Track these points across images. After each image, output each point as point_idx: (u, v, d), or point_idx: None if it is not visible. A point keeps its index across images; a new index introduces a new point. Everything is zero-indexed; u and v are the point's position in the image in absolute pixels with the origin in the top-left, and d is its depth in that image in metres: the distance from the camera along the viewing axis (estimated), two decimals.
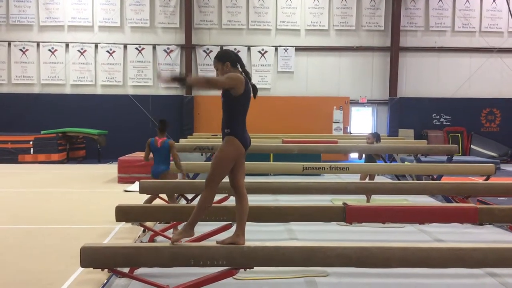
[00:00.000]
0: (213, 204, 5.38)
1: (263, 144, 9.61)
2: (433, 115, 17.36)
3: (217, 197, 6.40)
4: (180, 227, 4.69)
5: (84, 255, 3.41)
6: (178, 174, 8.19)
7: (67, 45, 16.80)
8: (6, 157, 14.97)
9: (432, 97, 17.24)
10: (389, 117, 17.29)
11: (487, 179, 7.56)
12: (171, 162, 6.85)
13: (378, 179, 11.32)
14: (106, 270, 3.55)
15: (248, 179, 6.50)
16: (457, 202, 7.16)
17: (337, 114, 16.72)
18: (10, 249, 5.72)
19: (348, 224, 4.80)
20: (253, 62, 16.98)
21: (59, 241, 6.02)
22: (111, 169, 12.97)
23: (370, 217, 4.76)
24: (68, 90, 17.02)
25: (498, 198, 7.70)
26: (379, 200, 8.21)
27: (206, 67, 16.73)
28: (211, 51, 16.82)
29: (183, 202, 7.10)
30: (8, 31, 16.83)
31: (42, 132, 15.38)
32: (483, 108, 17.35)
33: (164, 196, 6.73)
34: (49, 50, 16.78)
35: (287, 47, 17.05)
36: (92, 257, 3.44)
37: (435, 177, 8.61)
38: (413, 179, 9.53)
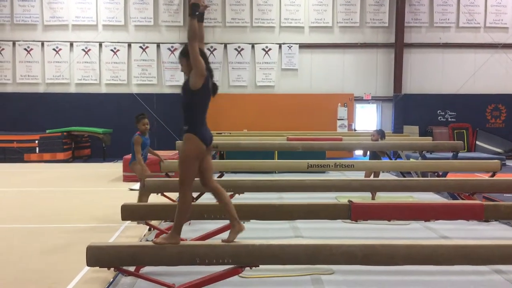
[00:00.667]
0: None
1: (268, 142, 9.60)
2: (438, 111, 17.29)
3: None
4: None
5: (90, 254, 3.42)
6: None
7: (71, 44, 16.85)
8: (12, 156, 15.06)
9: (437, 94, 17.18)
10: (393, 113, 17.25)
11: (492, 175, 7.52)
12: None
13: (384, 176, 11.31)
14: (112, 269, 3.56)
15: (253, 177, 6.53)
16: (462, 199, 7.12)
17: (342, 111, 16.68)
18: (16, 248, 5.76)
19: (353, 221, 4.79)
20: (257, 59, 16.97)
21: (65, 240, 6.05)
22: (116, 167, 13.01)
23: (375, 214, 4.75)
24: (72, 89, 17.07)
25: (504, 195, 7.66)
26: (384, 197, 8.19)
27: (210, 65, 16.67)
28: (215, 49, 16.82)
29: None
30: (12, 31, 16.89)
31: (47, 131, 15.46)
32: (488, 104, 17.26)
33: (168, 194, 6.74)
34: (54, 49, 16.83)
35: (291, 45, 17.02)
36: (98, 256, 3.45)
37: (440, 174, 8.58)
38: (418, 176, 9.50)
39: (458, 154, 9.69)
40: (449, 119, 17.30)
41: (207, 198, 6.95)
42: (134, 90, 16.99)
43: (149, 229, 6.08)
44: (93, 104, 16.67)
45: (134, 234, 6.30)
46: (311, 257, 3.54)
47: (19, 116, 16.57)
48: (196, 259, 3.47)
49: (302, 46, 17.06)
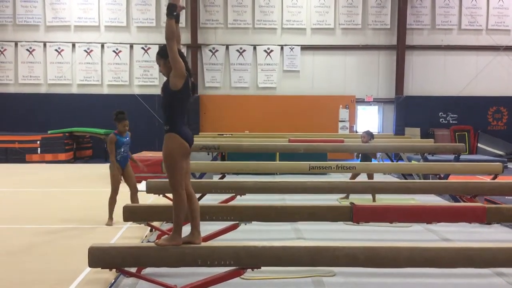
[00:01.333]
0: (220, 204, 5.41)
1: (270, 144, 9.59)
2: (440, 113, 17.29)
3: (224, 196, 6.42)
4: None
5: (92, 255, 3.42)
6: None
7: (73, 45, 16.88)
8: (14, 156, 15.08)
9: (439, 96, 17.17)
10: (395, 115, 17.24)
11: (494, 178, 7.50)
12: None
13: (385, 178, 11.31)
14: (113, 270, 3.56)
15: (254, 179, 6.51)
16: (464, 201, 7.11)
17: (343, 113, 16.69)
18: (17, 248, 5.75)
19: (355, 223, 4.78)
20: (259, 61, 16.98)
21: (67, 241, 6.05)
22: None
23: (377, 216, 4.74)
24: (74, 90, 17.10)
25: (506, 197, 7.66)
26: (386, 199, 8.18)
27: (212, 67, 16.74)
28: (217, 50, 16.83)
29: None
30: (15, 31, 16.93)
31: (49, 131, 15.48)
32: (490, 106, 17.25)
33: (169, 195, 6.73)
34: (56, 50, 16.87)
35: (293, 46, 17.03)
36: (100, 257, 3.45)
37: (442, 176, 8.56)
38: (420, 178, 9.49)
39: (460, 157, 9.67)
40: (451, 121, 17.29)
41: (209, 200, 6.97)
42: (136, 91, 17.01)
43: (151, 230, 6.08)
44: (95, 105, 16.67)
45: (135, 235, 6.29)
46: (313, 259, 3.53)
47: (21, 117, 16.60)
48: (197, 261, 3.47)
49: (304, 47, 17.07)
